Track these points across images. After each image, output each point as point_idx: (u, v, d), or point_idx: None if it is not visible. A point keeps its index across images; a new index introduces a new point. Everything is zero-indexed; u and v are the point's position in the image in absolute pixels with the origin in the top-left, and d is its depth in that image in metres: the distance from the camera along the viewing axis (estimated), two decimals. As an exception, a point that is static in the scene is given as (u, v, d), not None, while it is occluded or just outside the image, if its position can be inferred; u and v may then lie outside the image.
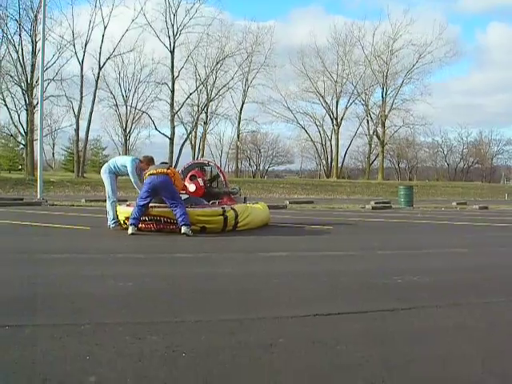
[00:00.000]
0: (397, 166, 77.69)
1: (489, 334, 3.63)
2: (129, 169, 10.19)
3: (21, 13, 43.44)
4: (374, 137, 60.25)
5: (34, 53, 43.00)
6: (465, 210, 21.98)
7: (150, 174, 9.45)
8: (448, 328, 3.72)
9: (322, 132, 62.41)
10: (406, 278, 5.49)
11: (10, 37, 43.74)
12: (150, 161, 10.29)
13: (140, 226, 9.55)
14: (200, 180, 11.03)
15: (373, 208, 20.82)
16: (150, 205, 9.50)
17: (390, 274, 5.73)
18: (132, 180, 10.23)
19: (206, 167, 11.96)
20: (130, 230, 9.24)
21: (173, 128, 50.04)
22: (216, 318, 3.77)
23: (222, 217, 9.69)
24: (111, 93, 49.74)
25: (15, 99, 45.32)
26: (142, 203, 9.37)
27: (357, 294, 4.77)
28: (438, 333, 3.59)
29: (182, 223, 9.15)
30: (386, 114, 57.84)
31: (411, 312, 4.13)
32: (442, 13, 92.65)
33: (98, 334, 3.37)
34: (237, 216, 10.00)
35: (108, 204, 10.29)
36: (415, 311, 4.15)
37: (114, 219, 10.17)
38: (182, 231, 9.12)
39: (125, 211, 9.79)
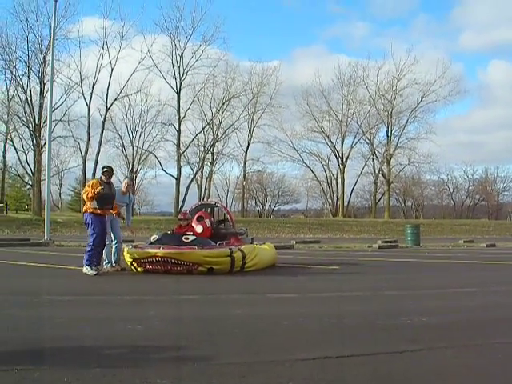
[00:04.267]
0: (403, 205, 77.50)
1: (498, 375, 3.60)
2: None
3: (29, 55, 44.52)
4: (380, 175, 60.43)
5: (42, 94, 43.69)
6: (472, 248, 21.85)
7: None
8: (458, 369, 3.69)
9: (327, 171, 62.61)
10: (415, 319, 5.46)
11: (18, 78, 44.75)
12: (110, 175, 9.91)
13: (147, 267, 9.60)
14: (207, 221, 11.05)
15: (380, 247, 20.72)
16: (157, 246, 9.55)
17: (399, 315, 5.71)
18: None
19: (213, 208, 12.02)
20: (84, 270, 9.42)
21: (179, 168, 50.40)
22: (226, 361, 3.76)
23: (229, 258, 9.66)
24: (118, 133, 50.39)
25: (23, 140, 46.10)
26: None
27: (366, 336, 4.74)
28: (448, 374, 3.56)
29: (85, 263, 9.44)
30: (392, 152, 58.09)
31: (421, 353, 4.10)
32: (444, 51, 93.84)
33: (107, 377, 3.36)
34: (244, 257, 9.98)
35: None
36: (425, 353, 4.12)
37: (104, 260, 10.22)
38: (83, 271, 9.38)
39: (132, 253, 9.79)
